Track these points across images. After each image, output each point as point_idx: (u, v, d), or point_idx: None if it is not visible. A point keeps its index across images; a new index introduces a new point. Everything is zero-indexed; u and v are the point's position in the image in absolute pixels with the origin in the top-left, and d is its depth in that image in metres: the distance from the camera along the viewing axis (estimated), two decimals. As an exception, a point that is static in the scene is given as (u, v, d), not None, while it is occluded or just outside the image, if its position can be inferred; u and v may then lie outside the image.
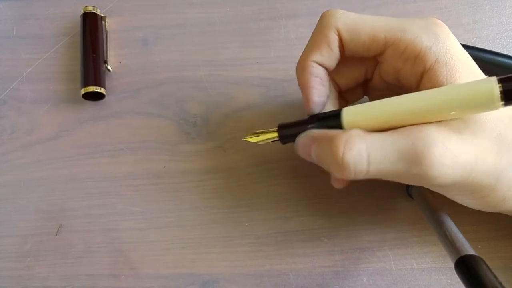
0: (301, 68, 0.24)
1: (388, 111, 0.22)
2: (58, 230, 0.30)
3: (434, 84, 0.21)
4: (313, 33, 0.24)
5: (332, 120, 0.23)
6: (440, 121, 0.20)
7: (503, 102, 0.19)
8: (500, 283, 0.19)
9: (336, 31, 0.23)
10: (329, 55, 0.24)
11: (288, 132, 0.26)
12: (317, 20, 0.24)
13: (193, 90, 0.33)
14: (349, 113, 0.23)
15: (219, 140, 0.31)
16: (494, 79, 0.19)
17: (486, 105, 0.19)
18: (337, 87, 0.27)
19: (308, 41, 0.24)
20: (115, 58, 0.34)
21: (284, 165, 0.30)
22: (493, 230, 0.28)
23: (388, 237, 0.28)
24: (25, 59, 0.34)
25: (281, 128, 0.26)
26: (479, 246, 0.28)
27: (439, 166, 0.20)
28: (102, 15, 0.34)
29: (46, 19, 0.35)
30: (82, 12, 0.34)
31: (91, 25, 0.33)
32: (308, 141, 0.24)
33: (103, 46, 0.33)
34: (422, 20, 0.23)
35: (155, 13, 0.35)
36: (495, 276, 0.19)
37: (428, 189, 0.27)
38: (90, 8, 0.34)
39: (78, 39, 0.34)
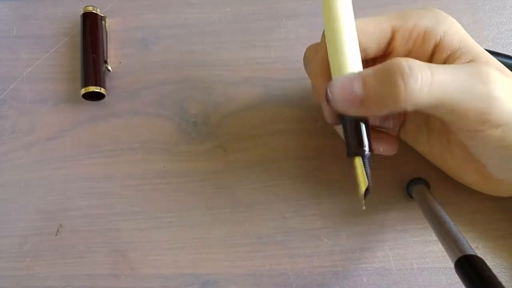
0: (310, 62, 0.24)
1: None
2: (58, 230, 0.30)
3: (449, 52, 0.22)
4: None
5: None
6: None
7: None
8: (500, 283, 0.19)
9: None
10: None
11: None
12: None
13: (193, 90, 0.33)
14: None
15: (219, 140, 0.31)
16: None
17: None
18: None
19: (324, 46, 0.23)
20: (115, 58, 0.34)
21: (284, 165, 0.30)
22: (493, 230, 0.28)
23: (388, 237, 0.28)
24: (25, 59, 0.34)
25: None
26: (479, 246, 0.28)
27: (501, 88, 0.20)
28: (102, 15, 0.34)
29: (46, 19, 0.35)
30: (82, 12, 0.34)
31: (91, 25, 0.33)
32: (352, 75, 0.21)
33: (103, 46, 0.33)
34: (422, 8, 0.24)
35: (155, 13, 0.35)
36: (495, 276, 0.19)
37: (428, 189, 0.27)
38: (90, 8, 0.34)
39: (78, 39, 0.34)
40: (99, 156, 0.31)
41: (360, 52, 0.23)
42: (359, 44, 0.23)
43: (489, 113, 0.20)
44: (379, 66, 0.20)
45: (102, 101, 0.33)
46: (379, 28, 0.23)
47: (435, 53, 0.23)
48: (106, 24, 0.34)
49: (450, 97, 0.20)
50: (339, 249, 0.28)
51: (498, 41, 0.32)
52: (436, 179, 0.28)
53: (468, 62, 0.22)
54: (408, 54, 0.24)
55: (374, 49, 0.24)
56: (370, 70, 0.21)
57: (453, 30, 0.23)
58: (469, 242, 0.22)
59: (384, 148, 0.25)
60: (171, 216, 0.30)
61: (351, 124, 0.22)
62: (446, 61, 0.23)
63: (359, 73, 0.21)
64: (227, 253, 0.29)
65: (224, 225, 0.29)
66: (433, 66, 0.20)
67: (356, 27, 0.22)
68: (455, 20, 0.23)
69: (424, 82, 0.19)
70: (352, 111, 0.21)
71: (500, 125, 0.21)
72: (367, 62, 0.26)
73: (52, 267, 0.29)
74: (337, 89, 0.21)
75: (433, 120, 0.26)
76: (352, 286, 0.28)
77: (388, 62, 0.20)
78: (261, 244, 0.29)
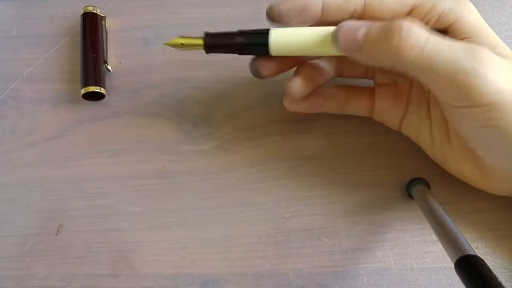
0: None
1: (309, 36, 0.24)
2: (58, 230, 0.30)
3: (460, 38, 0.23)
4: None
5: (260, 37, 0.24)
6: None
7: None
8: (500, 283, 0.19)
9: None
10: (340, 3, 0.24)
11: (215, 41, 0.25)
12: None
13: (193, 90, 0.33)
14: (277, 34, 0.24)
15: (219, 140, 0.31)
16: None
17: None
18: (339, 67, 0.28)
19: None
20: (115, 58, 0.34)
21: (284, 165, 0.30)
22: (493, 230, 0.28)
23: (388, 237, 0.28)
24: (25, 59, 0.34)
25: (208, 36, 0.25)
26: (479, 246, 0.28)
27: (491, 67, 0.21)
28: (102, 15, 0.34)
29: (46, 19, 0.35)
30: (82, 12, 0.34)
31: (91, 25, 0.33)
32: (359, 22, 0.23)
33: (103, 46, 0.33)
34: None
35: (155, 13, 0.35)
36: (495, 276, 0.19)
37: (428, 189, 0.27)
38: (90, 8, 0.34)
39: (78, 39, 0.34)
40: (99, 156, 0.31)
41: (368, 17, 0.24)
42: (374, 14, 0.24)
43: (473, 89, 0.21)
44: (385, 22, 0.22)
45: (102, 101, 0.33)
46: (399, 4, 0.24)
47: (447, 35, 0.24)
48: (106, 24, 0.34)
49: (438, 65, 0.21)
50: (339, 249, 0.28)
51: (498, 41, 0.32)
52: (436, 179, 0.28)
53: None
54: None
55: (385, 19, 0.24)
56: (376, 23, 0.22)
57: (467, 18, 0.23)
58: (469, 242, 0.22)
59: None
60: (171, 216, 0.30)
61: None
62: None
63: (367, 23, 0.23)
64: (227, 253, 0.29)
65: (224, 225, 0.29)
66: (432, 34, 0.21)
67: None
68: (472, 7, 0.24)
69: (417, 45, 0.21)
70: (352, 54, 0.23)
71: (484, 105, 0.21)
72: None
73: (52, 267, 0.29)
74: (343, 32, 0.23)
75: (434, 111, 0.27)
76: (352, 286, 0.28)
77: (391, 21, 0.21)
78: (261, 244, 0.29)
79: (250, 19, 0.34)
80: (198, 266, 0.29)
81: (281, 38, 0.24)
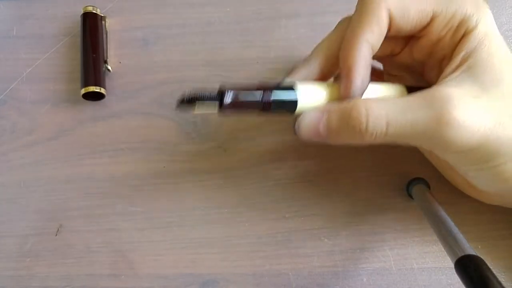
0: (351, 46, 0.23)
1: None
2: (58, 230, 0.30)
3: (467, 48, 0.22)
4: (359, 10, 0.23)
5: (286, 93, 0.23)
6: (456, 85, 0.21)
7: None
8: (500, 283, 0.19)
9: (387, 10, 0.22)
10: (378, 34, 0.23)
11: (235, 98, 0.22)
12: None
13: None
14: (302, 91, 0.23)
15: (219, 140, 0.31)
16: None
17: None
18: None
19: (354, 19, 0.23)
20: (115, 58, 0.34)
21: (284, 165, 0.30)
22: (493, 230, 0.28)
23: (388, 237, 0.28)
24: (25, 59, 0.34)
25: (228, 90, 0.22)
26: (479, 246, 0.28)
27: (457, 127, 0.20)
28: (102, 15, 0.34)
29: (46, 19, 0.35)
30: (82, 12, 0.34)
31: (91, 25, 0.33)
32: (318, 115, 0.23)
33: (103, 46, 0.33)
34: None
35: (155, 13, 0.35)
36: (495, 276, 0.19)
37: (428, 189, 0.27)
38: (90, 8, 0.34)
39: (78, 39, 0.34)
40: (99, 156, 0.31)
41: (393, 32, 0.23)
42: (398, 26, 0.23)
43: (446, 140, 0.21)
44: (343, 110, 0.22)
45: (102, 101, 0.33)
46: (420, 12, 0.23)
47: (461, 43, 0.23)
48: (106, 24, 0.34)
49: (404, 134, 0.21)
50: (339, 249, 0.28)
51: (498, 41, 0.32)
52: (436, 179, 0.28)
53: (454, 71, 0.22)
54: (439, 41, 0.24)
55: (408, 31, 0.24)
56: (334, 113, 0.22)
57: (482, 27, 0.22)
58: (469, 242, 0.22)
59: None
60: (171, 216, 0.30)
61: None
62: (465, 54, 0.23)
63: (324, 112, 0.22)
64: (227, 253, 0.29)
65: (224, 225, 0.29)
66: (390, 114, 0.21)
67: (398, 8, 0.23)
68: (490, 13, 0.23)
69: (380, 131, 0.21)
70: (316, 141, 0.24)
71: (462, 151, 0.21)
72: (396, 39, 0.26)
73: (52, 267, 0.29)
74: (307, 123, 0.23)
75: None
76: (352, 286, 0.28)
77: (349, 109, 0.21)
78: (261, 244, 0.29)
79: (250, 19, 0.34)
80: (198, 266, 0.29)
81: (308, 103, 0.23)
